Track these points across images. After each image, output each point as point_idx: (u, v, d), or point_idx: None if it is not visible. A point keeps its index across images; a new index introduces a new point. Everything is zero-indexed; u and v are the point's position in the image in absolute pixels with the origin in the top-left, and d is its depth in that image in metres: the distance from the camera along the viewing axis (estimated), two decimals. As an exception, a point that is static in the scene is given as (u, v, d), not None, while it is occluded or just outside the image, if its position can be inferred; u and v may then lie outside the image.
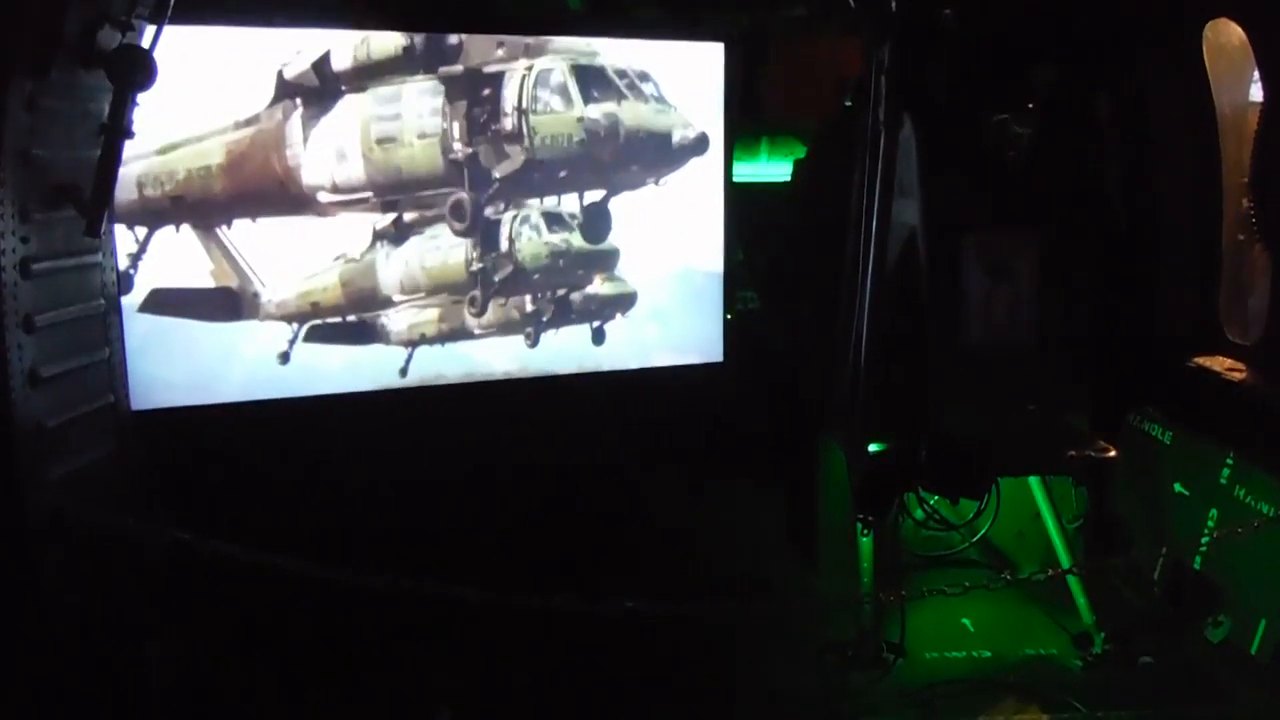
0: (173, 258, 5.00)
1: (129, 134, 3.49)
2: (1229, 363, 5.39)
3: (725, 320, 5.97)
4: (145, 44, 3.55)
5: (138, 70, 3.41)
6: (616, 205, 5.71)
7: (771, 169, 6.95)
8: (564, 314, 5.77)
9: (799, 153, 6.62)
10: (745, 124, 6.30)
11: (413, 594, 3.32)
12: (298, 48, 5.08)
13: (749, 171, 6.71)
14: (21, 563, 3.49)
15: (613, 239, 5.72)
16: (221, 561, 3.28)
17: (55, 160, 3.59)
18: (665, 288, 5.88)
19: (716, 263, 5.94)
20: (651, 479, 5.64)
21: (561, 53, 5.40)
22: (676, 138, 5.60)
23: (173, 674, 4.43)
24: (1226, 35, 5.33)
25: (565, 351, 5.78)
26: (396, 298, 5.45)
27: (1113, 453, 5.10)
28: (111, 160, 3.50)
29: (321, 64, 5.11)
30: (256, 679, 4.60)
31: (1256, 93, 4.95)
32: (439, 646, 4.73)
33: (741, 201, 6.05)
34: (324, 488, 4.90)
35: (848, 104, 5.54)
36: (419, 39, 5.24)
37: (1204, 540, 5.07)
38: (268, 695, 4.59)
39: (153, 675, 4.27)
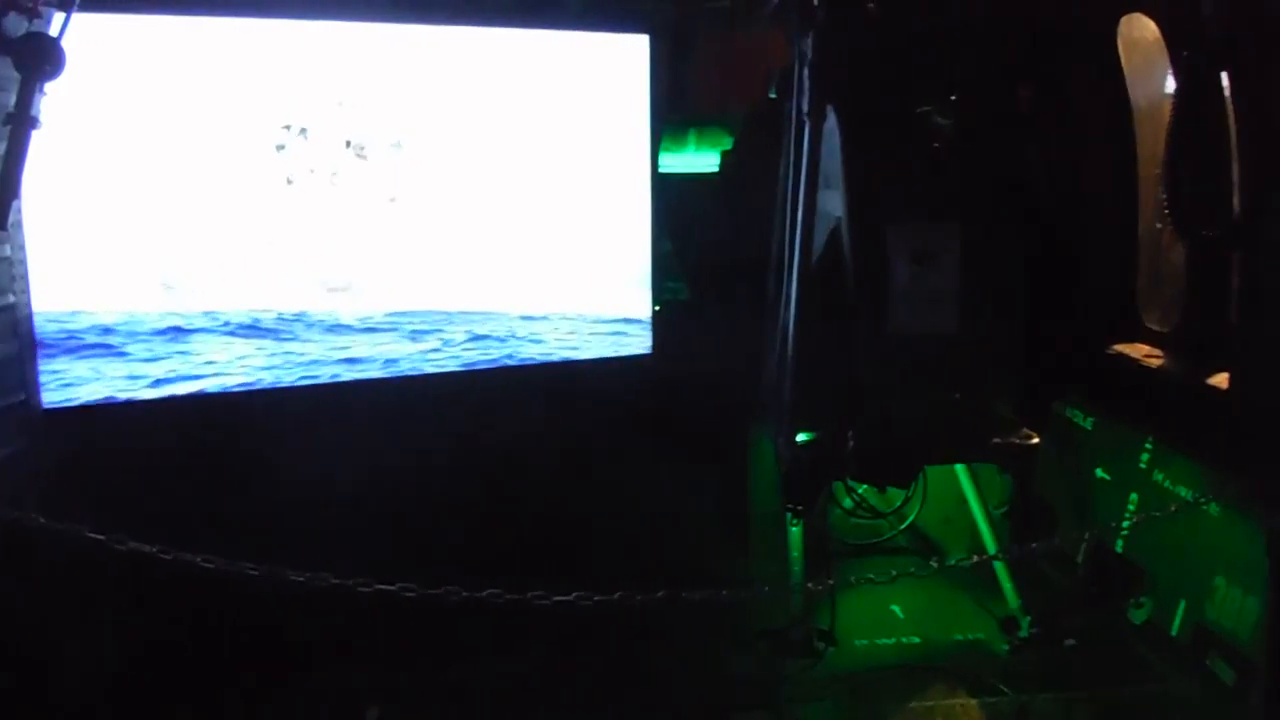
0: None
1: (36, 124, 3.40)
2: (1147, 349, 5.49)
3: (653, 311, 5.96)
4: (54, 32, 3.47)
5: (45, 59, 3.32)
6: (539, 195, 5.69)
7: (700, 160, 6.95)
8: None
9: (727, 144, 6.62)
10: (672, 115, 6.29)
11: (339, 591, 3.28)
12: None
13: (677, 162, 6.71)
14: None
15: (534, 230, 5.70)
16: (139, 561, 3.21)
17: (-41, 152, 3.49)
18: (591, 279, 5.85)
19: (644, 254, 5.91)
20: (581, 472, 5.62)
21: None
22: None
23: (90, 675, 4.36)
24: (1141, 30, 5.43)
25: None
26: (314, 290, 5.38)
27: (1036, 440, 5.18)
28: (19, 151, 3.40)
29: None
30: (179, 679, 4.53)
31: (1171, 85, 5.04)
32: (368, 644, 4.69)
33: (669, 192, 6.04)
34: (243, 485, 4.82)
35: (772, 95, 5.55)
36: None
37: (1125, 524, 5.18)
38: (191, 696, 4.53)
39: (69, 677, 4.20)
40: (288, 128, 5.07)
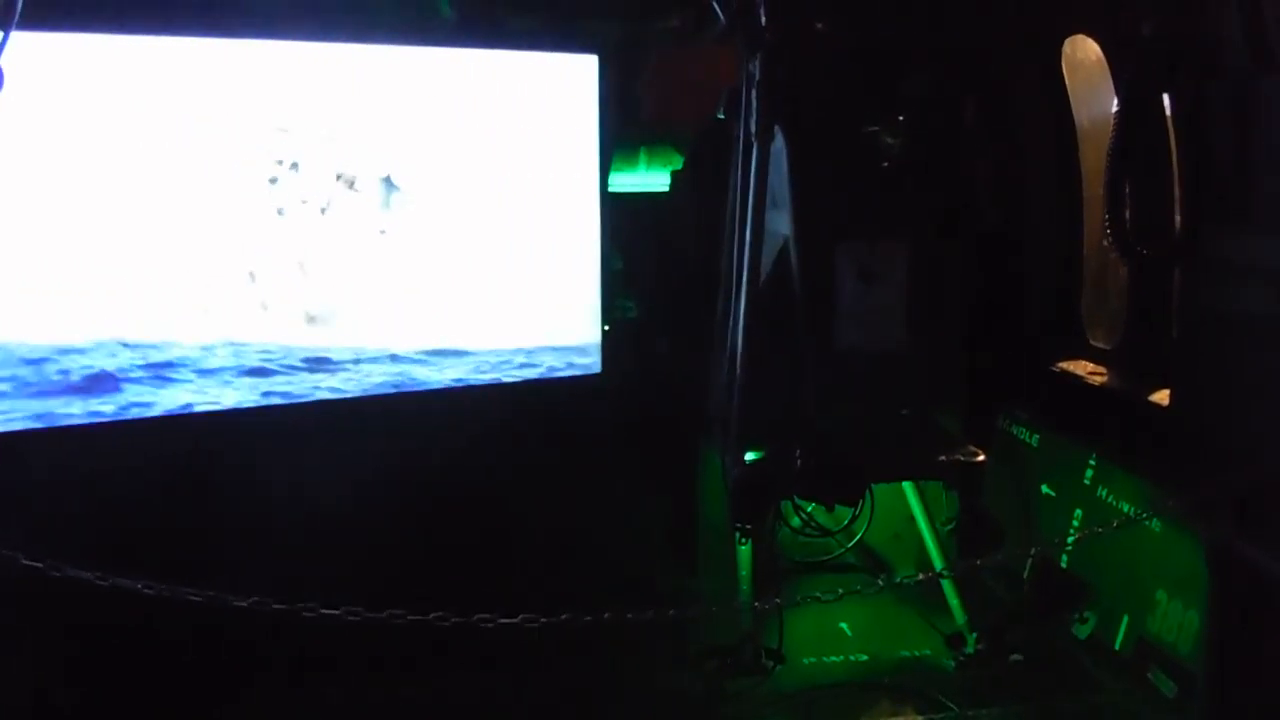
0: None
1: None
2: (1091, 366, 5.58)
3: (603, 331, 5.96)
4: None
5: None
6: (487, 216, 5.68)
7: (650, 179, 6.97)
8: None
9: (677, 163, 6.65)
10: (622, 135, 6.31)
11: (284, 616, 3.25)
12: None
13: (628, 182, 6.73)
14: None
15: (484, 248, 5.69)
16: (79, 589, 3.17)
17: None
18: (541, 299, 5.84)
19: (593, 273, 5.91)
20: (530, 490, 5.61)
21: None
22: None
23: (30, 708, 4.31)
24: (1085, 51, 5.52)
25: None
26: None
27: (982, 457, 5.22)
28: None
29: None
30: (121, 708, 4.47)
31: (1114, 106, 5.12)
32: (313, 668, 4.64)
33: (620, 212, 6.05)
34: (182, 509, 4.77)
35: (720, 116, 5.58)
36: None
37: (1070, 539, 5.22)
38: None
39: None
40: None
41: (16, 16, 3.28)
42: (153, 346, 4.97)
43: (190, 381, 5.07)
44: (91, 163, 4.69)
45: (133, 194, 4.80)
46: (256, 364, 5.24)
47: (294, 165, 5.16)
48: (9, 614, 4.04)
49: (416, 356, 5.60)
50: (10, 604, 3.88)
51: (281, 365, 5.29)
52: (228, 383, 5.17)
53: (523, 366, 5.83)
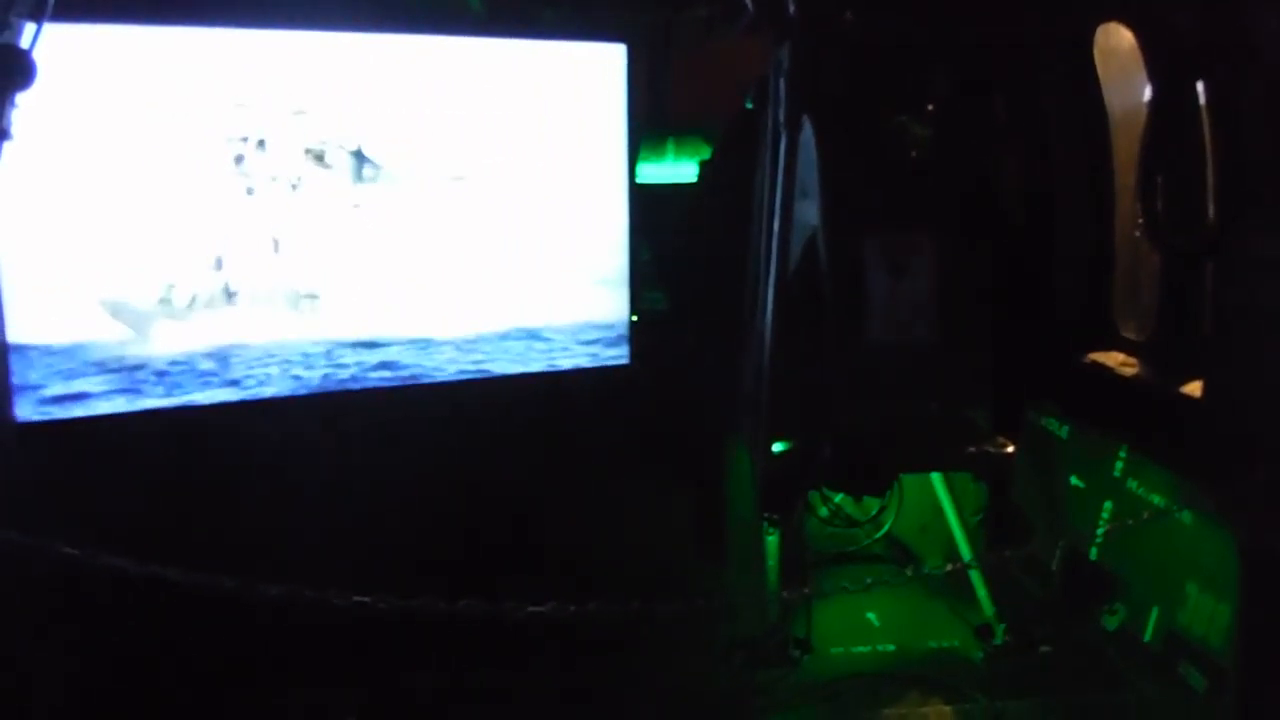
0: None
1: (8, 136, 3.39)
2: (1122, 358, 5.52)
3: (631, 322, 5.96)
4: (24, 43, 3.45)
5: (16, 70, 3.31)
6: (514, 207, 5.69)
7: (678, 169, 6.97)
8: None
9: (705, 153, 6.64)
10: (650, 125, 6.30)
11: (315, 604, 3.27)
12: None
13: (656, 172, 6.72)
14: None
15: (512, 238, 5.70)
16: (117, 577, 3.20)
17: (-69, 164, 3.47)
18: (568, 289, 5.85)
19: (621, 264, 5.92)
20: (558, 482, 5.62)
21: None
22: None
23: (67, 696, 4.34)
24: (1118, 39, 5.46)
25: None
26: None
27: (1011, 448, 5.20)
28: (-9, 163, 3.39)
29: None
30: (153, 696, 4.51)
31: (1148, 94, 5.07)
32: (345, 657, 4.67)
33: (648, 202, 6.05)
34: (218, 498, 4.80)
35: (749, 106, 5.57)
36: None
37: (1099, 531, 5.19)
38: (166, 713, 4.51)
39: (46, 697, 4.17)
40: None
41: (49, 9, 3.32)
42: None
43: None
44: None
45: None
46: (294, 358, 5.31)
47: (318, 157, 5.20)
48: (48, 602, 4.09)
49: (442, 347, 5.63)
50: (47, 592, 3.93)
51: (323, 357, 5.35)
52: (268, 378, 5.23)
53: (549, 356, 5.85)
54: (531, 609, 3.38)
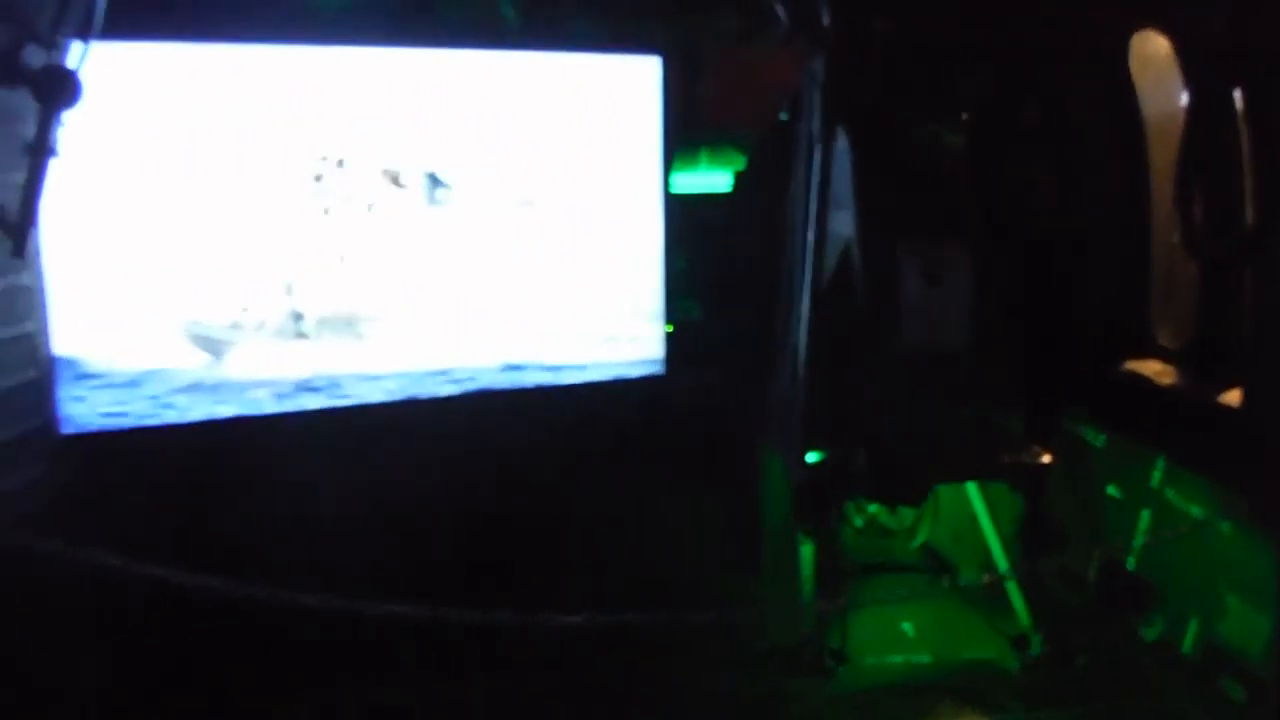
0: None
1: (55, 153, 3.45)
2: (1159, 367, 5.47)
3: (666, 332, 5.98)
4: (72, 63, 3.51)
5: (64, 89, 3.37)
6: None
7: (712, 179, 6.97)
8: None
9: (739, 163, 6.64)
10: (684, 136, 6.32)
11: (350, 613, 3.29)
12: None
13: (690, 182, 6.73)
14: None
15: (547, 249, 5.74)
16: (156, 587, 3.24)
17: (-21, 182, 3.54)
18: (604, 299, 5.87)
19: (656, 273, 5.94)
20: (592, 491, 5.64)
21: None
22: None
23: (100, 701, 4.40)
24: (1154, 46, 5.43)
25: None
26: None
27: (1047, 458, 5.17)
28: (37, 180, 3.44)
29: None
30: (189, 701, 4.56)
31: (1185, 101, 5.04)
32: (375, 665, 4.71)
33: (682, 212, 6.07)
34: (254, 511, 4.85)
35: (783, 117, 5.58)
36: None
37: (1136, 542, 5.15)
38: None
39: (82, 702, 4.22)
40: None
41: (97, 29, 3.38)
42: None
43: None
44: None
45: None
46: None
47: (340, 163, 5.28)
48: (88, 609, 4.15)
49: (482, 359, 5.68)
50: (86, 600, 3.99)
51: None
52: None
53: (585, 367, 5.88)
54: (566, 618, 3.40)
